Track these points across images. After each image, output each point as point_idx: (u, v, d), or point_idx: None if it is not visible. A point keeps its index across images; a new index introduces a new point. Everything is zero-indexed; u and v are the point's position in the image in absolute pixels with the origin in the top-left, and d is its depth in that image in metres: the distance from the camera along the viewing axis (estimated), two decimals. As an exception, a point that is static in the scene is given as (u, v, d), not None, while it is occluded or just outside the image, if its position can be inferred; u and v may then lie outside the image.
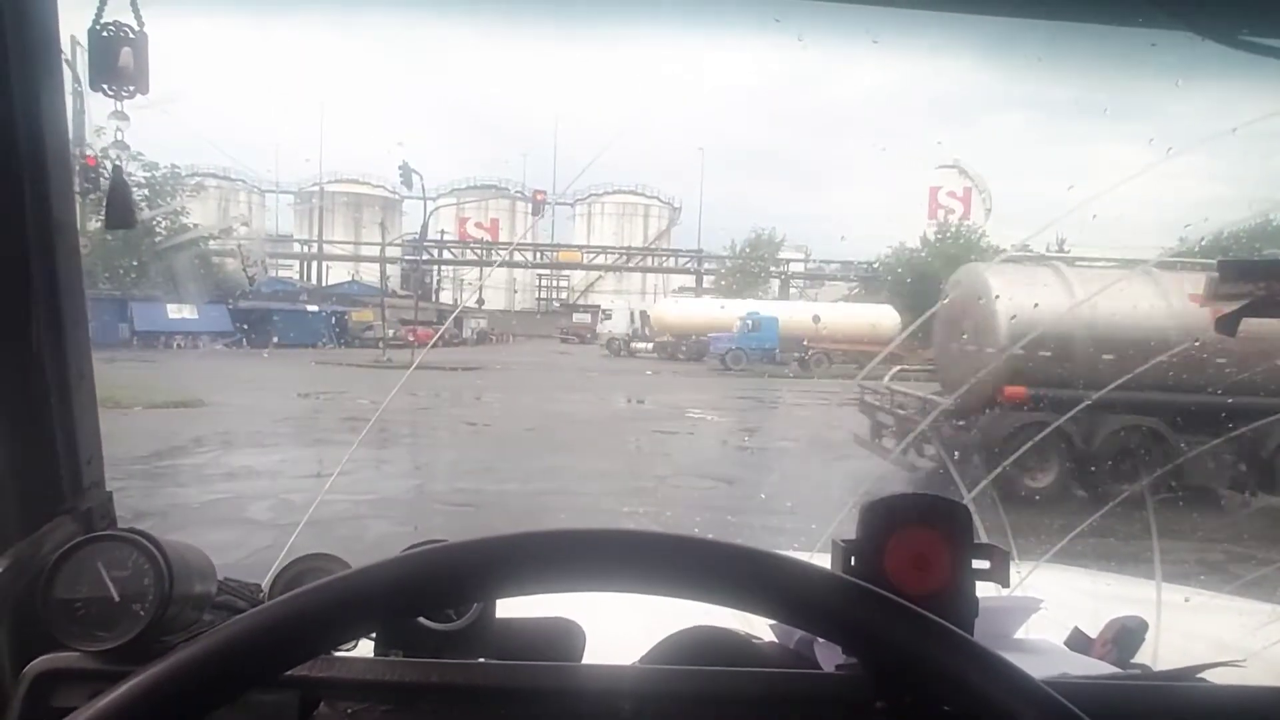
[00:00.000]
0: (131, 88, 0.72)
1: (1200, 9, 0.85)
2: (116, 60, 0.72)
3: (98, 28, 0.72)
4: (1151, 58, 0.97)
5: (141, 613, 0.63)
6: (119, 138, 0.75)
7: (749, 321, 26.59)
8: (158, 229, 20.09)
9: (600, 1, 1.30)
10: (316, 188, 43.74)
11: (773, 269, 38.50)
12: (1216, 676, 0.80)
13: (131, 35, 0.72)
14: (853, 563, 0.65)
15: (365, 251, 41.07)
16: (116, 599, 0.63)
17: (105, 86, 0.72)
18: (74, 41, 0.77)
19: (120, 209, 0.78)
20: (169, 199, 22.24)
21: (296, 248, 42.04)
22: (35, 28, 0.72)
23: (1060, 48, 1.04)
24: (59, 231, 0.75)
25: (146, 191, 20.50)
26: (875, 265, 35.17)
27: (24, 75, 0.71)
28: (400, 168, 25.19)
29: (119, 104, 0.73)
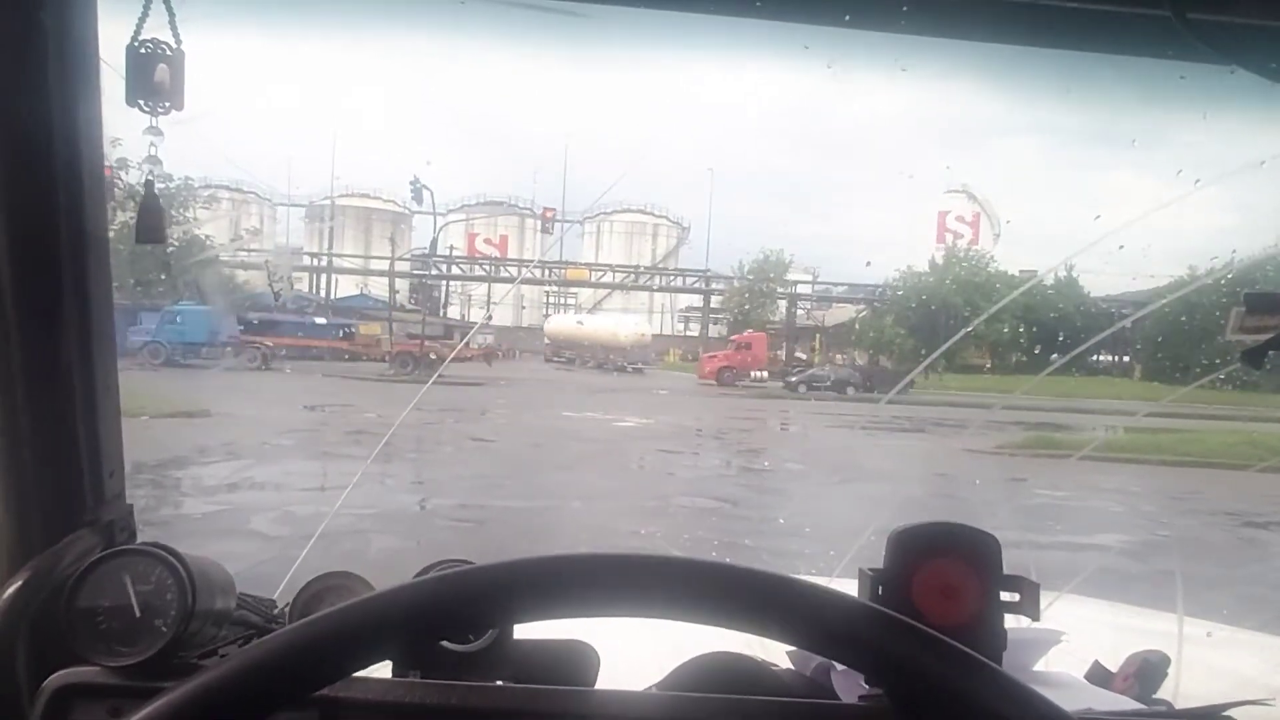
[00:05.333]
0: (167, 104, 0.73)
1: (1226, 41, 0.85)
2: (153, 76, 0.73)
3: (136, 45, 0.73)
4: (1176, 89, 0.97)
5: (164, 628, 0.63)
6: (153, 153, 0.76)
7: (171, 315, 25.43)
8: (171, 240, 20.24)
9: (614, 21, 1.31)
10: (328, 201, 44.02)
11: (780, 290, 38.49)
12: (1243, 715, 0.78)
13: (169, 53, 0.73)
14: (880, 592, 0.65)
15: (375, 265, 41.30)
16: (139, 614, 0.63)
17: (141, 102, 0.73)
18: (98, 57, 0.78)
19: (152, 223, 0.78)
20: (182, 211, 22.41)
21: (306, 260, 42.25)
22: (76, 45, 0.73)
23: (1082, 77, 1.04)
24: (91, 246, 0.76)
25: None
26: (883, 289, 35.18)
27: (64, 92, 0.72)
28: (411, 183, 25.35)
29: (154, 120, 0.74)
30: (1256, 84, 0.87)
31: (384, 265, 39.33)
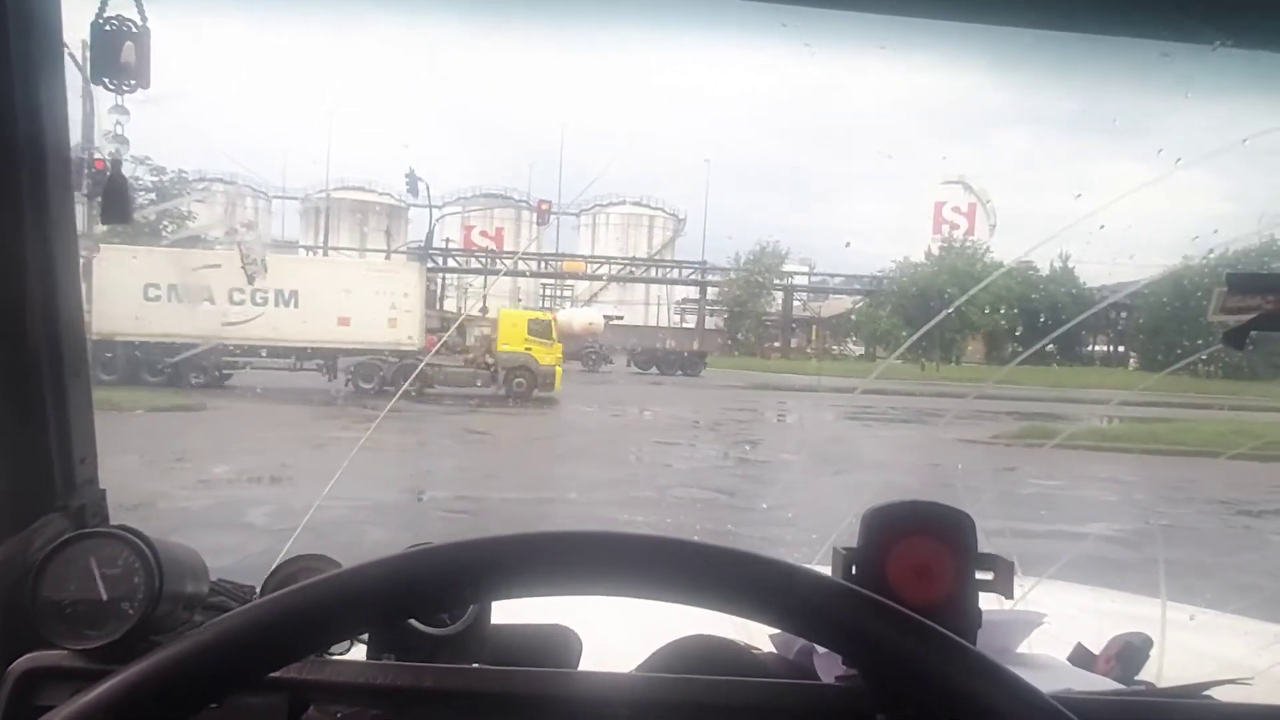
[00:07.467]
0: (133, 82, 0.72)
1: (1212, 20, 0.85)
2: (119, 54, 0.72)
3: (100, 21, 0.72)
4: (1161, 69, 0.96)
5: (130, 611, 0.62)
6: (119, 132, 0.75)
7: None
8: (164, 232, 20.17)
9: (607, 12, 1.30)
10: (323, 194, 43.82)
11: (776, 281, 38.50)
12: (1223, 694, 0.78)
13: (134, 30, 0.72)
14: (854, 571, 0.64)
15: (370, 259, 41.18)
16: (105, 597, 0.62)
17: (106, 80, 0.72)
18: (85, 45, 0.77)
19: (117, 202, 0.77)
20: (176, 203, 22.31)
21: (302, 254, 42.13)
22: (38, 22, 0.71)
23: (1067, 59, 1.04)
24: (57, 229, 0.75)
25: (154, 195, 20.61)
26: (880, 280, 35.20)
27: (24, 70, 0.70)
28: (407, 175, 25.23)
29: (120, 98, 0.73)
30: (1242, 61, 0.87)
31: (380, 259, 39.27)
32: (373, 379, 17.51)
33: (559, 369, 19.20)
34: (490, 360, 19.05)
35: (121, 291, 15.92)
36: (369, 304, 17.88)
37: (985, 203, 45.47)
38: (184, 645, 0.46)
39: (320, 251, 39.65)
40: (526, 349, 19.03)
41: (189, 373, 16.57)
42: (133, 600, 0.62)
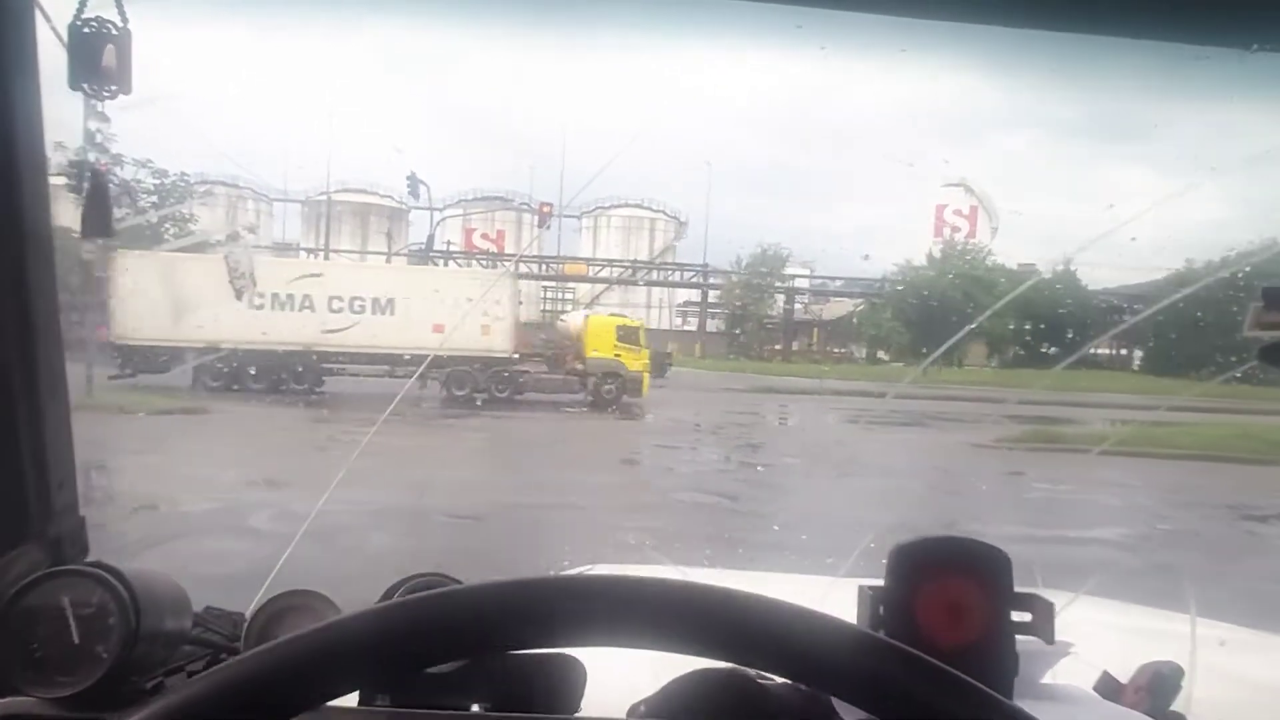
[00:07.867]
0: (114, 87, 0.68)
1: (1239, 24, 0.81)
2: (99, 58, 0.68)
3: (79, 24, 0.68)
4: (1188, 72, 0.93)
5: (104, 655, 0.58)
6: (99, 140, 0.71)
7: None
8: (166, 235, 20.17)
9: (610, 11, 1.27)
10: (324, 196, 43.79)
11: (777, 284, 38.45)
12: None
13: (114, 32, 0.68)
14: (881, 612, 0.60)
15: (371, 261, 41.15)
16: (77, 640, 0.58)
17: (86, 85, 0.68)
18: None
19: (98, 216, 0.73)
20: (177, 205, 22.34)
21: (303, 256, 42.07)
22: (11, 23, 0.67)
23: (1073, 61, 1.01)
24: (31, 241, 0.71)
25: (155, 198, 20.65)
26: (881, 284, 35.13)
27: None
28: (408, 178, 25.23)
29: (100, 105, 0.69)
30: (1268, 64, 0.83)
31: (381, 261, 39.27)
32: (465, 386, 17.92)
33: (646, 375, 19.36)
34: (580, 367, 19.20)
35: (222, 301, 16.20)
36: (463, 312, 18.15)
37: (987, 206, 45.38)
38: (170, 701, 0.42)
39: (321, 254, 39.65)
40: (615, 355, 19.17)
41: (291, 380, 17.10)
42: (107, 643, 0.58)
